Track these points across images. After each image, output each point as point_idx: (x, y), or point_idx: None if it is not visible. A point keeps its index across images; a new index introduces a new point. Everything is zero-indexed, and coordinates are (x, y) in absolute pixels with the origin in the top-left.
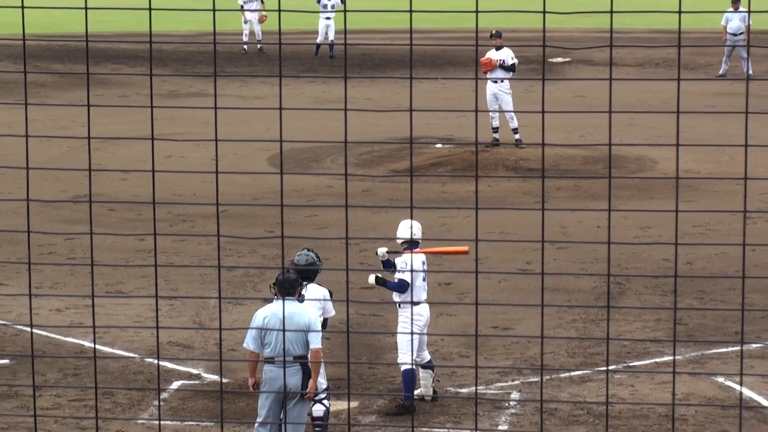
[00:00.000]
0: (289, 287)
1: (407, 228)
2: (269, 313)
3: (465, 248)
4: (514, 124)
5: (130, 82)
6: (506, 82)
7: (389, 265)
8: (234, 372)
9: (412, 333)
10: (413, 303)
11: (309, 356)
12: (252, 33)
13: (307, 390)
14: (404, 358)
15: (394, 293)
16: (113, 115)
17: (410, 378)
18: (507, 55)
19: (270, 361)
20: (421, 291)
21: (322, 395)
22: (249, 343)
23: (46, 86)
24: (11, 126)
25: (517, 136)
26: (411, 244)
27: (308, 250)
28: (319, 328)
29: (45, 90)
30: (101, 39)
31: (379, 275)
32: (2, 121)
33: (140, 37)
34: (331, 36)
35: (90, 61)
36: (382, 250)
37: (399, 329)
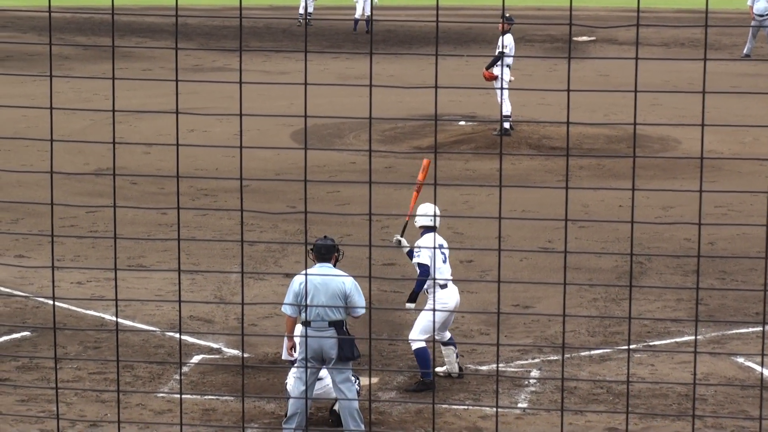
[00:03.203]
0: (326, 253)
1: (424, 213)
2: (305, 278)
3: (425, 162)
4: (503, 109)
5: (154, 55)
6: (504, 68)
7: (411, 254)
8: (254, 347)
9: (434, 326)
10: (440, 285)
11: (352, 324)
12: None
13: (359, 352)
14: (416, 336)
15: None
16: (137, 89)
17: (424, 355)
18: (500, 44)
19: (306, 324)
20: (444, 273)
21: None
22: (286, 308)
23: (69, 59)
24: (35, 98)
25: (506, 125)
26: (427, 229)
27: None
28: (359, 296)
29: (69, 62)
30: (126, 12)
31: (412, 303)
32: (26, 92)
33: (165, 10)
34: (368, 11)
35: (114, 34)
36: (396, 239)
37: (425, 313)
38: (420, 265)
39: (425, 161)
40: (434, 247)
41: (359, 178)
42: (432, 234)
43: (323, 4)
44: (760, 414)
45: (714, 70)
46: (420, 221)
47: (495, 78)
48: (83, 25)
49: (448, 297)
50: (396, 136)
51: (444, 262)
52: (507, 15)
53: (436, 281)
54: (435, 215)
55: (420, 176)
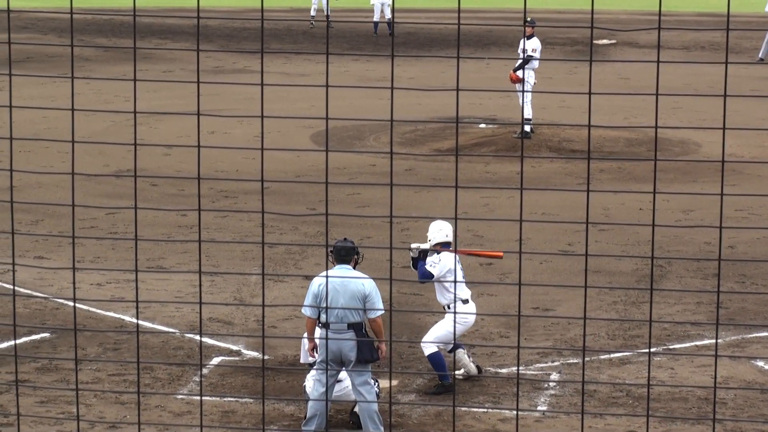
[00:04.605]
0: (345, 255)
1: (439, 230)
2: (325, 280)
3: (500, 253)
4: (525, 112)
5: (175, 57)
6: (528, 72)
7: (416, 265)
8: (274, 349)
9: (455, 337)
10: (462, 300)
11: (370, 326)
12: (320, 9)
13: (381, 355)
14: (428, 342)
15: (440, 294)
16: (157, 90)
17: (439, 359)
18: (529, 47)
19: (325, 326)
20: (463, 288)
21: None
22: (305, 309)
23: (90, 60)
24: (55, 99)
25: (527, 128)
26: (443, 246)
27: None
28: (378, 298)
29: (89, 64)
30: (147, 14)
31: (423, 247)
32: (46, 94)
33: (186, 12)
34: (388, 14)
35: (135, 36)
36: (415, 246)
37: (444, 323)
38: (428, 272)
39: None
40: (455, 261)
41: (379, 181)
42: (449, 250)
43: (344, 6)
44: None
45: (734, 74)
46: (436, 238)
47: (520, 81)
48: (103, 26)
49: (470, 311)
50: (416, 139)
51: (463, 276)
52: (528, 18)
53: (459, 297)
54: (445, 232)
55: (481, 253)
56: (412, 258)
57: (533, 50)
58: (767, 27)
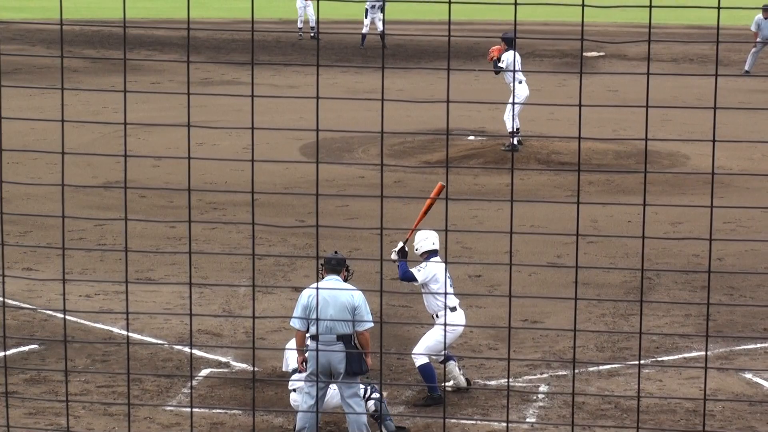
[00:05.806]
0: (336, 265)
1: (425, 238)
2: (314, 291)
3: (438, 185)
4: (512, 124)
5: (163, 68)
6: (516, 84)
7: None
8: (263, 360)
9: (445, 346)
10: (450, 308)
11: (357, 338)
12: (306, 21)
13: (367, 367)
14: (418, 354)
15: (428, 303)
16: (146, 102)
17: (429, 371)
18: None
19: (314, 338)
20: (451, 297)
21: (369, 392)
22: (294, 321)
23: (78, 72)
24: (43, 111)
25: (513, 140)
26: (431, 254)
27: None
28: (366, 310)
29: (78, 75)
30: (136, 25)
31: (405, 248)
32: (34, 105)
33: (175, 23)
34: (380, 27)
35: (125, 47)
36: (393, 254)
37: (434, 332)
38: (411, 274)
39: (439, 185)
40: (444, 271)
41: (368, 192)
42: (437, 258)
43: (330, 18)
44: None
45: (722, 86)
46: (423, 247)
47: (493, 59)
48: (92, 38)
49: (459, 319)
50: (405, 151)
51: (451, 286)
52: (503, 34)
53: (447, 305)
54: (431, 240)
55: (433, 194)
56: (396, 261)
57: (501, 60)
58: (754, 40)
